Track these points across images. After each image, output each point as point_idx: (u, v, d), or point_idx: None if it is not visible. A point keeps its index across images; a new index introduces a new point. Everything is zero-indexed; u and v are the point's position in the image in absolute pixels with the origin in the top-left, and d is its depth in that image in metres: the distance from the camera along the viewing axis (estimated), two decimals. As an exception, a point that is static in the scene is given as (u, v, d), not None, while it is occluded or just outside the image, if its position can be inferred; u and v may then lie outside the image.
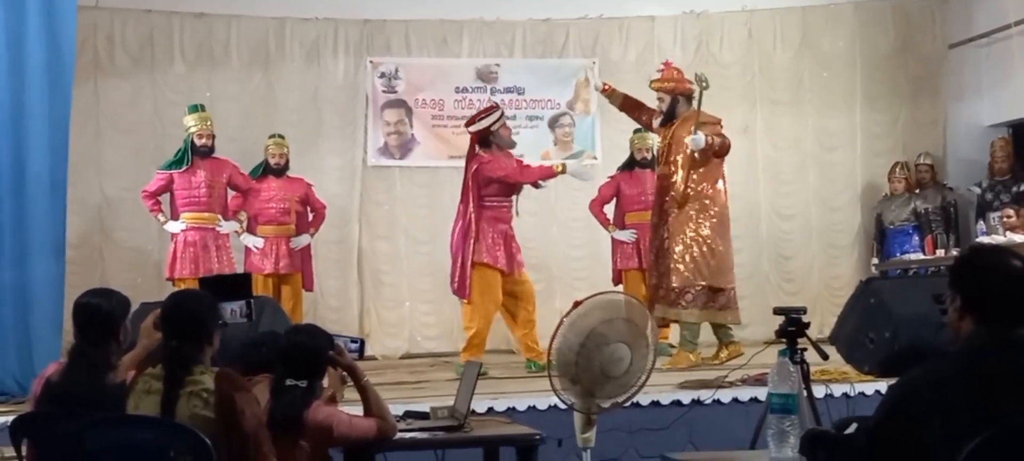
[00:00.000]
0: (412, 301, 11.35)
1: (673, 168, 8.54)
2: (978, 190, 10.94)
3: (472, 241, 8.88)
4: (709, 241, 8.45)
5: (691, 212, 8.45)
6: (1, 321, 7.28)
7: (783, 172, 11.81)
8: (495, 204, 9.03)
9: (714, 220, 8.51)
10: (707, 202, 8.51)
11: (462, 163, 11.38)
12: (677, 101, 8.71)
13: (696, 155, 8.44)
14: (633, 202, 10.08)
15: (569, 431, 5.14)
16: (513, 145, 9.40)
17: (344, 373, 4.51)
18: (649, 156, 10.07)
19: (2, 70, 7.29)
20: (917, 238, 11.02)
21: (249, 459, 3.88)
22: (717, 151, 8.51)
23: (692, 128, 8.42)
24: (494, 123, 9.07)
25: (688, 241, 8.41)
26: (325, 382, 4.56)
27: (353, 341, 4.72)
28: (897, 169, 11.35)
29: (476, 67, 11.58)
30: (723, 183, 8.68)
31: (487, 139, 9.07)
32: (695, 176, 8.48)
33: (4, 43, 7.29)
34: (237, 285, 4.94)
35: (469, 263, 8.87)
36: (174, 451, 3.76)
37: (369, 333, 10.95)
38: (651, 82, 8.93)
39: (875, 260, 11.34)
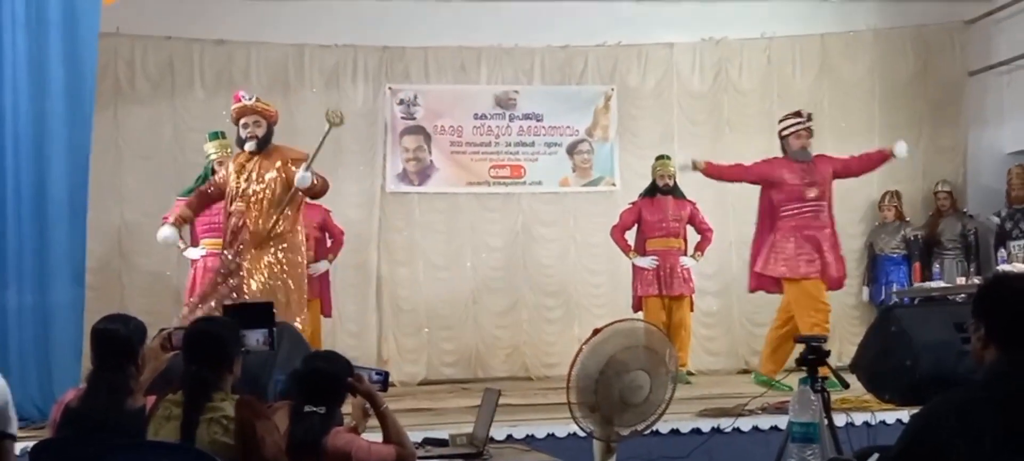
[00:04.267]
0: (431, 327, 11.34)
1: (254, 202, 7.88)
2: (997, 220, 10.89)
3: (768, 253, 9.10)
4: (289, 284, 7.93)
5: (273, 251, 7.89)
6: (21, 345, 7.30)
7: (802, 199, 11.77)
8: (792, 212, 9.12)
9: (294, 265, 7.99)
10: (285, 244, 7.92)
11: (480, 189, 11.51)
12: (271, 130, 8.13)
13: (300, 193, 7.93)
14: (654, 228, 10.06)
15: (588, 459, 5.12)
16: (803, 157, 9.23)
17: (367, 405, 4.49)
18: (671, 182, 10.10)
19: (25, 96, 7.34)
20: (906, 267, 11.05)
21: (268, 486, 3.87)
22: (318, 191, 8.06)
23: (287, 163, 7.90)
24: (786, 128, 9.18)
25: (268, 286, 7.81)
26: (348, 408, 4.54)
27: (377, 373, 4.69)
28: (887, 198, 11.40)
29: (495, 94, 11.60)
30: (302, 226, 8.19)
31: (783, 145, 9.18)
32: (287, 214, 7.92)
33: (26, 69, 7.33)
34: (260, 313, 4.93)
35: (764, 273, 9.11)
36: (193, 477, 3.75)
37: (388, 359, 10.95)
38: (252, 103, 8.10)
39: (866, 288, 11.39)
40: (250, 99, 8.16)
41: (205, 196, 8.25)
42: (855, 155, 9.60)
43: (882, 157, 9.52)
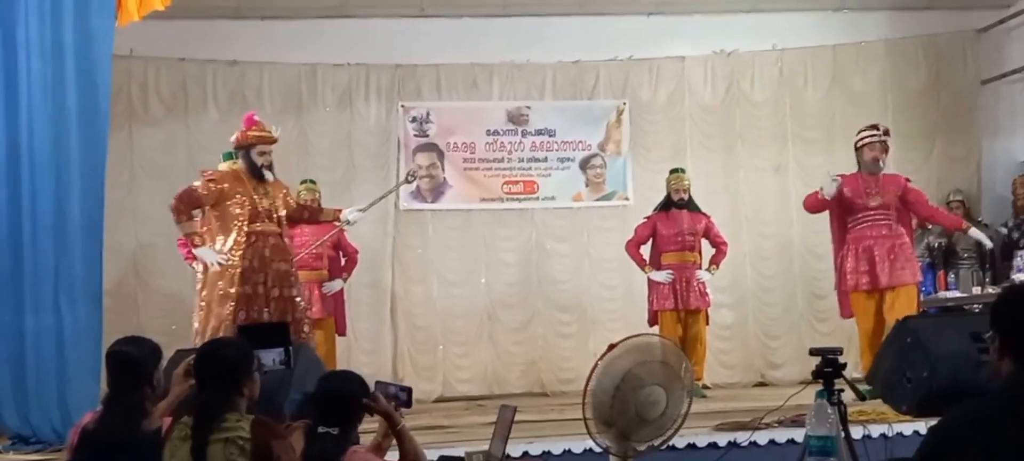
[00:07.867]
0: (446, 344, 11.35)
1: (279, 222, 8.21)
2: (1004, 230, 10.84)
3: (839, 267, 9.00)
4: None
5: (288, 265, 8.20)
6: (39, 368, 7.30)
7: (816, 210, 11.74)
8: (852, 224, 8.90)
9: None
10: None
11: (493, 205, 11.53)
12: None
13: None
14: (669, 242, 10.02)
15: (605, 475, 5.11)
16: (874, 169, 8.88)
17: (391, 421, 4.48)
18: (686, 196, 10.07)
19: (40, 119, 7.35)
20: (931, 275, 10.97)
21: (285, 506, 3.87)
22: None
23: (287, 195, 8.39)
24: (859, 138, 8.97)
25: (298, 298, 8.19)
26: (374, 423, 4.52)
27: (401, 389, 4.68)
28: None
29: (507, 110, 11.63)
30: None
31: (856, 156, 9.00)
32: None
33: (41, 92, 7.35)
34: (275, 333, 4.95)
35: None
36: (210, 498, 3.75)
37: (403, 377, 10.96)
38: (264, 131, 8.33)
39: None
40: (277, 131, 8.46)
41: (198, 203, 8.26)
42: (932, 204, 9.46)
43: (955, 225, 9.53)
